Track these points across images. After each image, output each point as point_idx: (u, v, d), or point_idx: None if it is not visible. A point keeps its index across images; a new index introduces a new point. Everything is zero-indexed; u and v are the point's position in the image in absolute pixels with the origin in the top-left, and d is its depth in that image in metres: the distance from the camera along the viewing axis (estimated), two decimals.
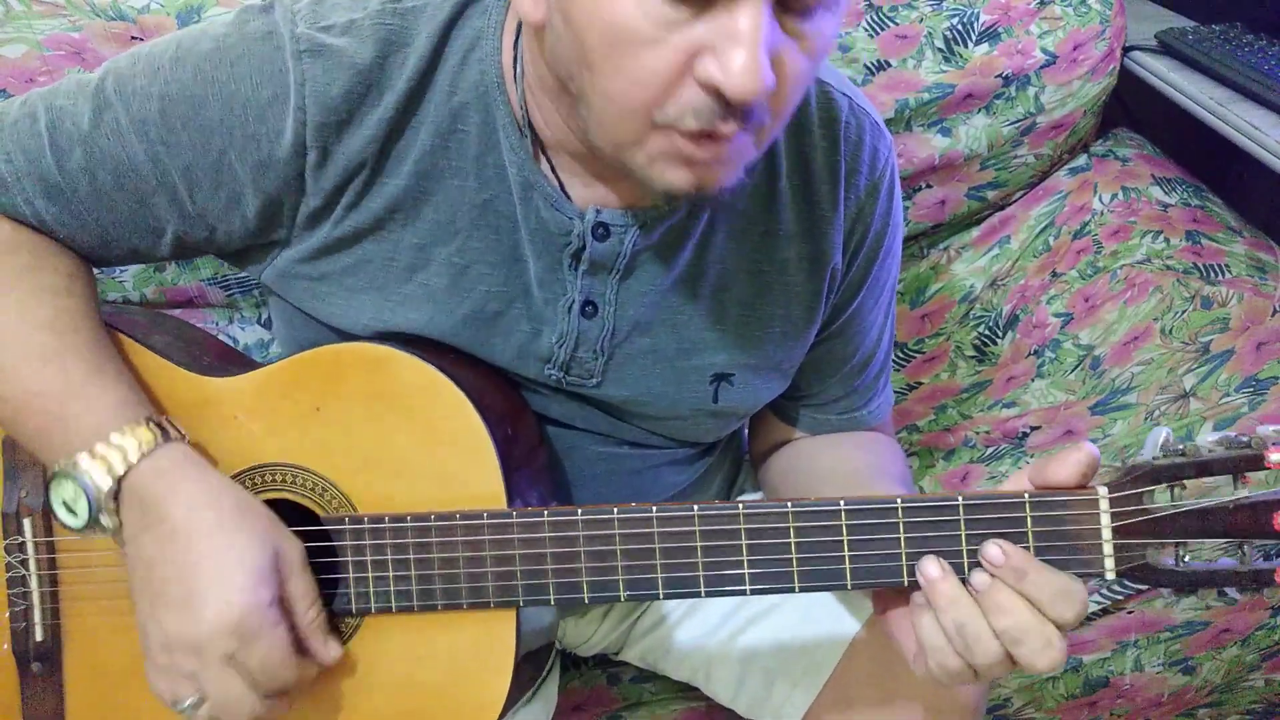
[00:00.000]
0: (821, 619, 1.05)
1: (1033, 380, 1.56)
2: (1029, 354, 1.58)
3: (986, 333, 1.63)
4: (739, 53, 0.67)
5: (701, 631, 1.11)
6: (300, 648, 0.80)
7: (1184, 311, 1.46)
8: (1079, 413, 1.47)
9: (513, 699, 0.86)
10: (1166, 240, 1.53)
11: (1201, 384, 1.38)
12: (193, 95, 0.83)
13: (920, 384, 1.64)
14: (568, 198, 0.85)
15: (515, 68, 0.82)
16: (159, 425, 0.81)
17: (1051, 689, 1.32)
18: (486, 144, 0.84)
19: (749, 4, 0.67)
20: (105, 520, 0.79)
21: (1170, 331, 1.45)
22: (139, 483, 0.78)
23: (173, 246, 0.89)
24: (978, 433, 1.54)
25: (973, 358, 1.63)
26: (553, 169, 0.85)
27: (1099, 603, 1.28)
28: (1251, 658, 1.32)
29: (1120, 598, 1.28)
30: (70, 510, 0.79)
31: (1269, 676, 1.35)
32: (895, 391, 1.62)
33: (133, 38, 1.28)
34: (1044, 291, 1.60)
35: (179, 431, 0.82)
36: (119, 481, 0.78)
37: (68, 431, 0.80)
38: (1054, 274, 1.60)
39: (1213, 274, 1.47)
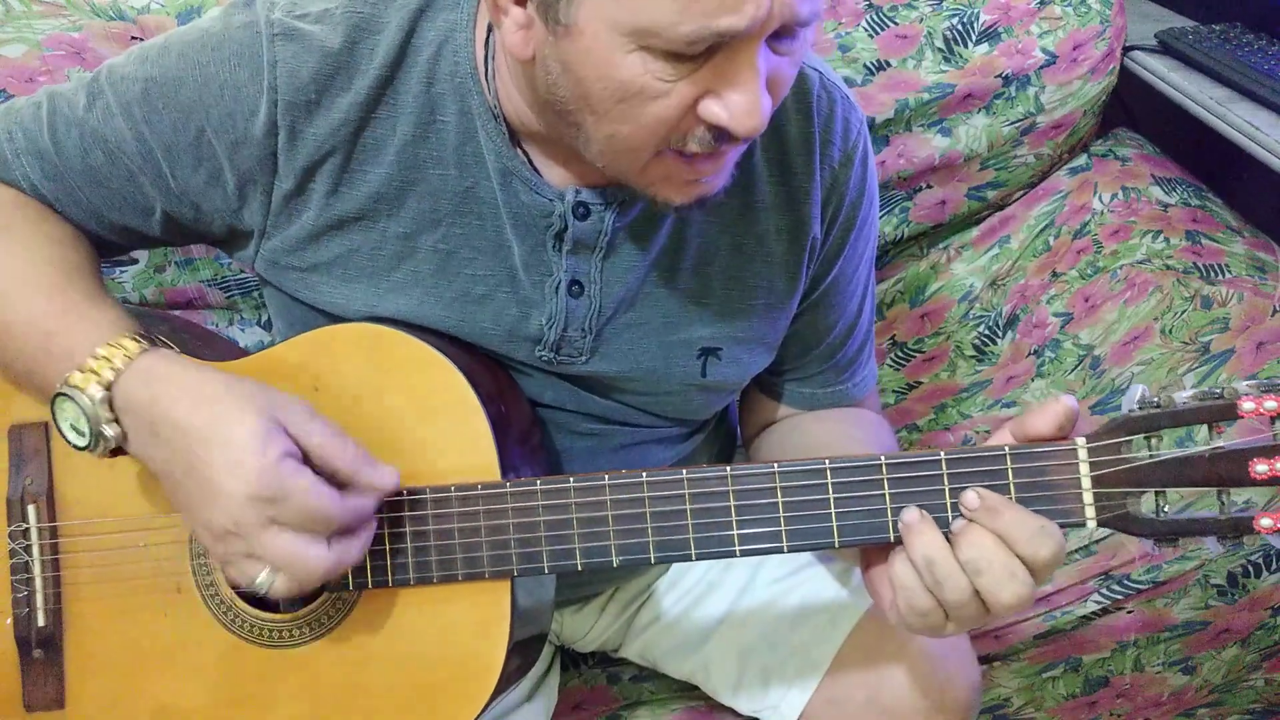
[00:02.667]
0: (818, 618, 1.06)
1: (1033, 380, 1.56)
2: (1029, 354, 1.58)
3: (986, 332, 1.63)
4: (741, 96, 0.71)
5: (700, 628, 1.12)
6: (351, 484, 0.80)
7: (1184, 311, 1.46)
8: (1079, 413, 1.47)
9: (504, 682, 0.87)
10: (1166, 240, 1.53)
11: (1201, 384, 1.37)
12: (174, 77, 0.87)
13: (920, 384, 1.64)
14: (543, 180, 0.87)
15: (487, 63, 0.85)
16: (147, 338, 0.82)
17: (1051, 689, 1.32)
18: (465, 133, 0.87)
19: (746, 49, 0.70)
20: (107, 430, 0.80)
21: (1170, 331, 1.45)
22: (129, 388, 0.79)
23: (164, 225, 0.93)
24: (978, 432, 1.54)
25: (973, 357, 1.64)
26: (525, 154, 0.87)
27: (1099, 602, 1.28)
28: (1251, 658, 1.32)
29: (1120, 597, 1.28)
30: (76, 430, 0.80)
31: (1269, 676, 1.34)
32: (895, 391, 1.64)
33: (133, 38, 1.29)
34: (1044, 291, 1.60)
35: (167, 344, 0.84)
36: (109, 389, 0.79)
37: (63, 348, 0.82)
38: (1054, 274, 1.60)
39: (1213, 274, 1.47)
